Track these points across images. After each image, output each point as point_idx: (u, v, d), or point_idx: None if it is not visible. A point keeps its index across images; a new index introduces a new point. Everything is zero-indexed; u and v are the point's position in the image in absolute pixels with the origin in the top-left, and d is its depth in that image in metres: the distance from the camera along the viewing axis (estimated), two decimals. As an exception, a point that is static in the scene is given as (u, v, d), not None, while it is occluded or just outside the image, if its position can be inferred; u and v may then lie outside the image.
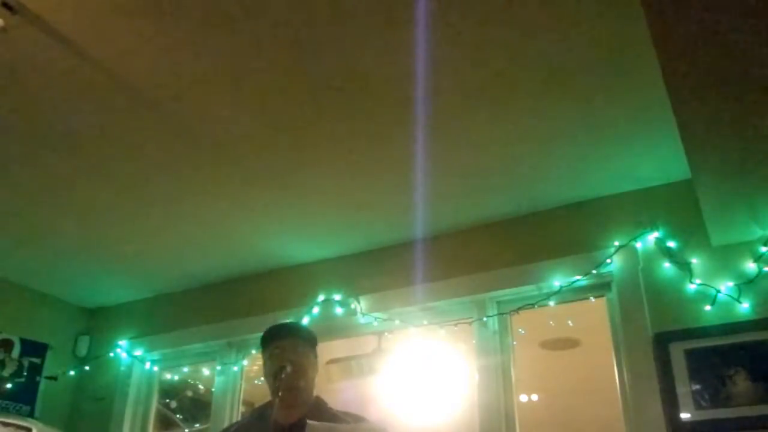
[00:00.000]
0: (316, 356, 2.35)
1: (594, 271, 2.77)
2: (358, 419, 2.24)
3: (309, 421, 2.03)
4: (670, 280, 2.64)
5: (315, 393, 2.32)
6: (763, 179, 2.19)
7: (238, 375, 3.57)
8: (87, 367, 3.93)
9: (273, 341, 2.28)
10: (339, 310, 3.28)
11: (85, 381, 3.94)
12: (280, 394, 2.15)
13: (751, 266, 2.51)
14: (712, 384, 2.43)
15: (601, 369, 2.98)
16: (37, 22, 2.00)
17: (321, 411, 2.23)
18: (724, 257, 2.57)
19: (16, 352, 3.65)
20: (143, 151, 2.64)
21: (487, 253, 3.06)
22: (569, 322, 3.85)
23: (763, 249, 2.50)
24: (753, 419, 2.33)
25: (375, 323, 3.22)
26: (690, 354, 2.49)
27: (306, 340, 2.32)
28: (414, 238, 3.25)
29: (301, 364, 2.23)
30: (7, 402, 3.56)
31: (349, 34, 2.04)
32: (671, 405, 2.46)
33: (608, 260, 2.76)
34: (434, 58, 2.12)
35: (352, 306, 3.26)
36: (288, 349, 2.25)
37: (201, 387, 4.27)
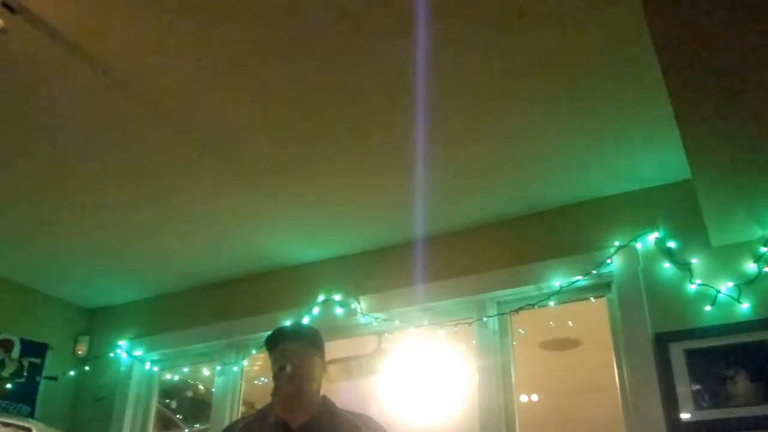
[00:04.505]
0: (323, 358, 2.30)
1: (594, 271, 2.77)
2: (364, 419, 2.23)
3: None
4: (670, 280, 2.64)
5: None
6: (763, 179, 2.19)
7: (238, 375, 3.57)
8: (87, 367, 3.93)
9: (278, 344, 2.24)
10: (339, 311, 3.28)
11: (85, 381, 3.94)
12: (281, 394, 2.14)
13: (751, 266, 2.51)
14: (712, 384, 2.43)
15: (601, 369, 2.98)
16: (37, 22, 2.00)
17: (328, 413, 2.22)
18: (724, 257, 2.57)
19: (16, 352, 3.65)
20: (143, 151, 2.64)
21: (487, 253, 3.06)
22: (569, 322, 3.85)
23: (763, 249, 2.49)
24: (753, 419, 2.33)
25: (375, 323, 3.22)
26: (690, 354, 2.49)
27: (311, 341, 2.28)
28: (414, 238, 3.25)
29: (305, 367, 2.20)
30: (7, 402, 3.56)
31: (350, 34, 2.04)
32: (671, 405, 2.46)
33: (608, 260, 2.76)
34: (434, 59, 2.12)
35: (352, 306, 3.25)
36: (293, 351, 2.20)
37: (201, 387, 4.27)
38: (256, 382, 4.00)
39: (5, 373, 3.59)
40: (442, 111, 2.37)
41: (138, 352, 3.83)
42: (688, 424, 2.42)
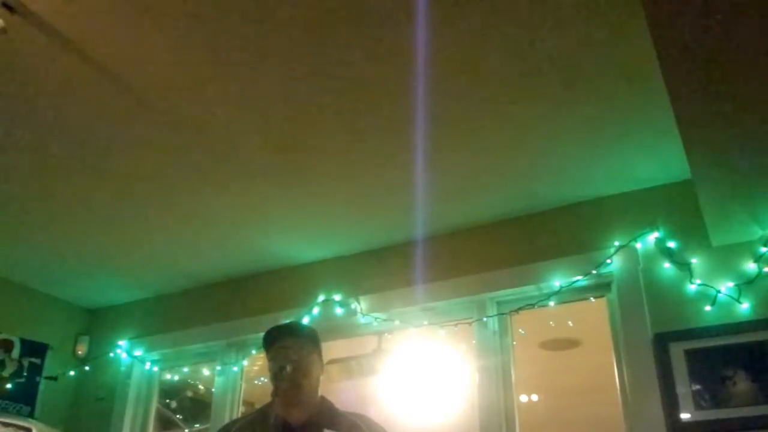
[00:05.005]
0: (320, 355, 2.32)
1: (594, 271, 2.77)
2: (364, 419, 2.24)
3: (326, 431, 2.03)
4: (670, 280, 2.64)
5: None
6: (763, 179, 2.19)
7: (238, 375, 3.57)
8: (87, 367, 3.94)
9: (275, 342, 2.27)
10: (339, 311, 3.28)
11: (85, 381, 3.94)
12: (280, 392, 2.15)
13: (751, 266, 2.51)
14: (712, 384, 2.43)
15: (601, 369, 2.98)
16: (37, 22, 2.00)
17: (328, 412, 2.23)
18: (724, 257, 2.57)
19: (16, 352, 3.65)
20: (143, 151, 2.64)
21: (487, 253, 3.06)
22: (569, 322, 3.85)
23: (763, 249, 2.49)
24: (753, 419, 2.33)
25: (375, 323, 3.22)
26: (690, 354, 2.49)
27: (308, 339, 2.30)
28: (414, 238, 3.25)
29: (303, 363, 2.22)
30: (7, 402, 3.56)
31: (349, 33, 2.04)
32: (671, 405, 2.46)
33: (608, 260, 2.75)
34: (434, 58, 2.12)
35: (352, 306, 3.25)
36: (290, 348, 2.23)
37: (201, 387, 4.27)
38: (256, 382, 4.00)
39: (5, 373, 3.59)
40: (441, 111, 2.37)
41: (138, 352, 3.83)
42: (688, 424, 2.42)
